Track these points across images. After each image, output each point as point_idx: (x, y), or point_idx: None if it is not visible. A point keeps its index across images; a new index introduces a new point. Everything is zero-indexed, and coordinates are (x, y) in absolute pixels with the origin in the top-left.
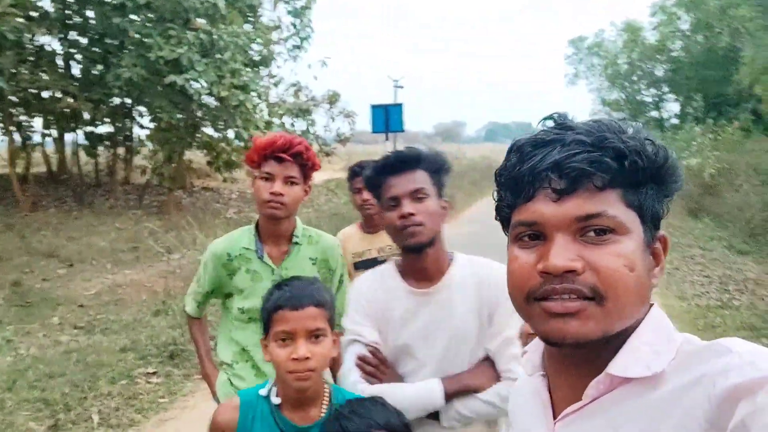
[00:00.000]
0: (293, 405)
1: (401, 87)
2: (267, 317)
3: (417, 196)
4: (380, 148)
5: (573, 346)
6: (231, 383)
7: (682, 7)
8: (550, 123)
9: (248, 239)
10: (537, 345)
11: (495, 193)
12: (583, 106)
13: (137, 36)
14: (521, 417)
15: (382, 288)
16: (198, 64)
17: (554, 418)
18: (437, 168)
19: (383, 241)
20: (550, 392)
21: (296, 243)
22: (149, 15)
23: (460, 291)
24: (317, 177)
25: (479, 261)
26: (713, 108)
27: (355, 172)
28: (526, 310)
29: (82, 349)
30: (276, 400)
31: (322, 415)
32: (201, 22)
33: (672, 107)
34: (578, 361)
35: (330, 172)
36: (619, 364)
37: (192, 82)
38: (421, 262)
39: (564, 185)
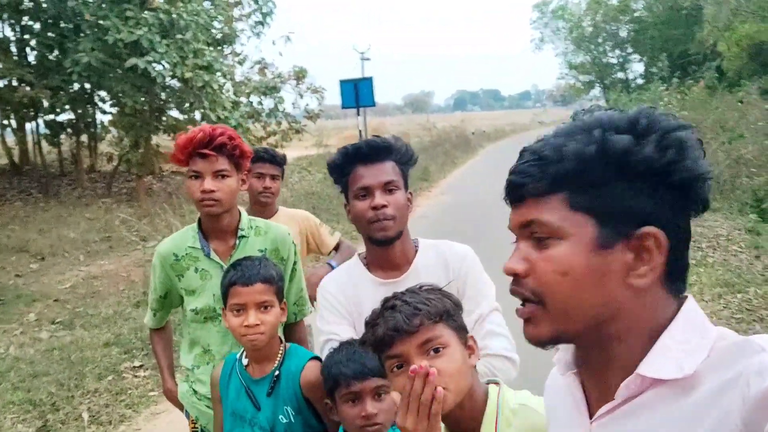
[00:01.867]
0: (254, 361)
1: (368, 59)
2: (224, 292)
3: (388, 188)
4: (351, 122)
5: (539, 346)
6: (194, 392)
7: None
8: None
9: (193, 238)
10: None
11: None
12: (551, 70)
13: (93, 18)
14: (559, 414)
15: (350, 283)
16: (159, 46)
17: (590, 415)
18: (406, 160)
19: None
20: (584, 390)
21: (242, 236)
22: None
23: (429, 275)
24: (289, 155)
25: (441, 243)
26: (678, 67)
27: (262, 156)
28: None
29: (64, 345)
30: (245, 361)
31: (272, 368)
32: (158, 1)
33: (637, 68)
34: (597, 359)
35: (301, 150)
36: (650, 365)
37: (154, 65)
38: (388, 253)
39: (512, 196)
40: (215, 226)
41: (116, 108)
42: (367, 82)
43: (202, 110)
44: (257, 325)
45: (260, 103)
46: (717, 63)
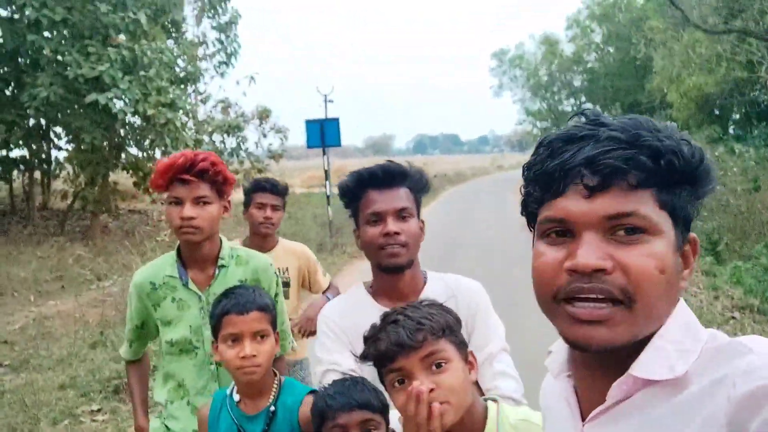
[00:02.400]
0: (247, 396)
1: (331, 101)
2: (216, 322)
3: (402, 214)
4: (312, 163)
5: (599, 352)
6: (167, 428)
7: (595, 20)
8: (582, 119)
9: (171, 266)
10: (562, 345)
11: (522, 188)
12: (509, 116)
13: (53, 54)
14: (553, 417)
15: (353, 311)
16: (121, 82)
17: (582, 419)
18: (420, 187)
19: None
20: (576, 393)
21: (222, 265)
22: (65, 32)
23: None
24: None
25: (450, 276)
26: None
27: (263, 186)
28: (551, 310)
29: (16, 388)
30: (236, 397)
31: (267, 404)
32: (121, 38)
33: None
34: (604, 363)
35: None
36: (642, 365)
37: (115, 101)
38: (397, 282)
39: (596, 182)
40: (194, 255)
41: (73, 144)
42: (334, 122)
43: (164, 148)
44: (254, 356)
45: (222, 142)
46: (667, 113)
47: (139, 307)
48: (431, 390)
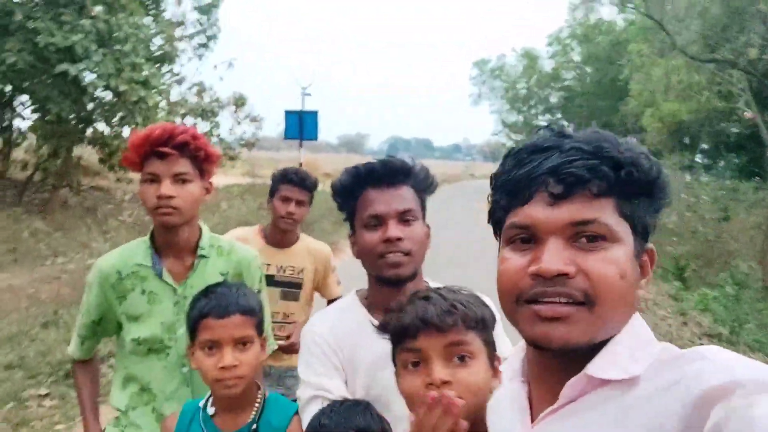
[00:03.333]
0: (224, 410)
1: (309, 94)
2: (192, 325)
3: (405, 217)
4: (285, 155)
5: (559, 351)
6: None
7: (576, 39)
8: (547, 132)
9: (143, 254)
10: (518, 350)
11: (489, 197)
12: (484, 126)
13: (24, 20)
14: (496, 423)
15: (345, 327)
16: (94, 54)
17: (532, 422)
18: (426, 187)
19: (288, 260)
20: (529, 398)
21: (202, 255)
22: None
23: None
24: (217, 181)
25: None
26: None
27: (291, 179)
28: (513, 311)
29: None
30: (211, 410)
31: (249, 420)
32: (98, 9)
33: None
34: (560, 366)
35: (233, 177)
36: (597, 365)
37: (86, 73)
38: (398, 296)
39: (560, 190)
40: (171, 241)
41: (37, 114)
42: (313, 115)
43: (134, 126)
44: (235, 366)
45: (195, 125)
46: (641, 136)
47: (100, 299)
48: (445, 383)
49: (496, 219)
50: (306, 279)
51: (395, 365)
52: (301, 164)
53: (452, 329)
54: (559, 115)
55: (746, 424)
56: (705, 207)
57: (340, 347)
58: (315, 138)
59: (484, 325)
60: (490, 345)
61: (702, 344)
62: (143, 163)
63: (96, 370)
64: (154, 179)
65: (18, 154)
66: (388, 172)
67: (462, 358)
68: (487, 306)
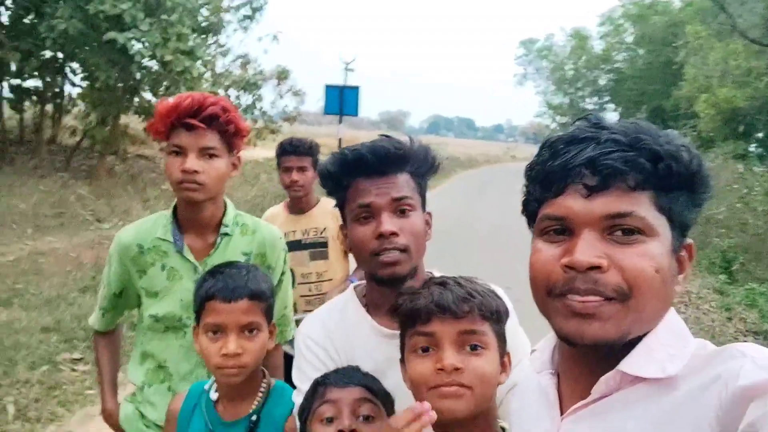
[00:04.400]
0: (226, 398)
1: (352, 70)
2: (198, 306)
3: (400, 207)
4: (325, 130)
5: (591, 346)
6: (141, 416)
7: (629, 20)
8: (584, 123)
9: (164, 228)
10: (548, 342)
11: (524, 188)
12: (528, 107)
13: None
14: (524, 416)
15: (343, 329)
16: (142, 23)
17: (561, 415)
18: (426, 169)
19: (309, 222)
20: (558, 391)
21: (225, 234)
22: None
23: None
24: (258, 155)
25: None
26: (656, 122)
27: (285, 149)
28: (545, 304)
29: None
30: (214, 396)
31: (250, 410)
32: None
33: (612, 117)
34: (592, 359)
35: (273, 151)
36: (633, 363)
37: (134, 42)
38: (396, 295)
39: (596, 182)
40: (194, 217)
41: (87, 81)
42: (354, 90)
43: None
44: (238, 354)
45: (238, 97)
46: (693, 122)
47: (120, 271)
48: (457, 369)
49: (530, 210)
50: (330, 237)
51: (402, 352)
52: (340, 140)
53: (467, 316)
54: (607, 98)
55: None
56: (757, 198)
57: (335, 349)
58: (355, 114)
59: (498, 318)
60: (502, 339)
61: (746, 341)
62: (170, 133)
63: (117, 343)
64: (180, 152)
65: (68, 120)
66: (380, 161)
67: (474, 348)
68: (501, 299)
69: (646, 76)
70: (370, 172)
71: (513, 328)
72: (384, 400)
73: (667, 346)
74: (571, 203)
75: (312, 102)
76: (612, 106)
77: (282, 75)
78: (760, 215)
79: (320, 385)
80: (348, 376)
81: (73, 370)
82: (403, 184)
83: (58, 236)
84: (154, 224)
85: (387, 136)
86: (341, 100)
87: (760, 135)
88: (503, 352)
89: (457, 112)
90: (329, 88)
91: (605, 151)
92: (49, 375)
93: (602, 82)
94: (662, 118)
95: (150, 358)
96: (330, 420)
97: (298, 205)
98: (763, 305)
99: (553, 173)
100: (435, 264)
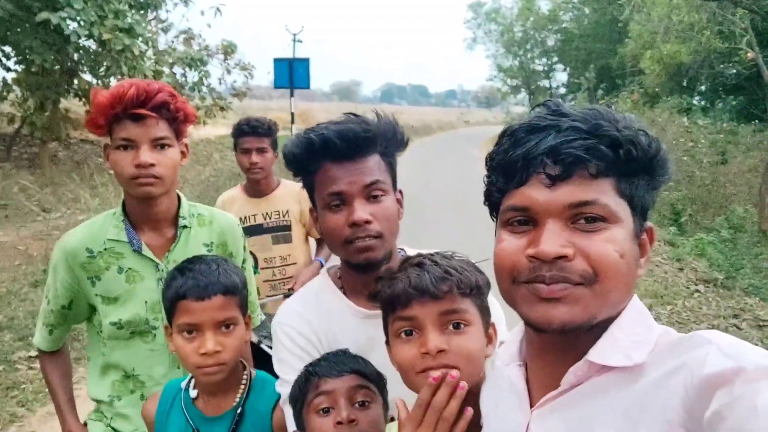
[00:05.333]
0: (207, 394)
1: (300, 41)
2: (170, 305)
3: (372, 192)
4: (276, 104)
5: (559, 331)
6: (114, 431)
7: None
8: (544, 110)
9: (116, 228)
10: (515, 334)
11: (485, 178)
12: (479, 72)
13: None
14: (493, 410)
15: (320, 314)
16: (75, 1)
17: (531, 407)
18: (395, 147)
19: (271, 206)
20: (527, 382)
21: (184, 226)
22: None
23: None
24: (209, 132)
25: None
26: (603, 80)
27: (242, 130)
28: (511, 292)
29: None
30: (193, 393)
31: (233, 404)
32: None
33: (561, 77)
34: (560, 348)
35: (224, 128)
36: (599, 352)
37: (69, 21)
38: (372, 281)
39: (558, 171)
40: (149, 213)
41: (22, 65)
42: (304, 62)
43: (120, 76)
44: (218, 351)
45: (184, 75)
46: (639, 79)
47: (69, 280)
48: (441, 351)
49: (493, 200)
50: (293, 219)
51: (386, 336)
52: (293, 114)
53: (446, 296)
54: (555, 59)
55: (750, 411)
56: (702, 151)
57: (316, 335)
58: (307, 86)
59: (479, 292)
60: (485, 311)
61: (698, 290)
62: (112, 126)
63: (68, 361)
64: (129, 145)
65: (4, 107)
66: (348, 146)
67: (457, 326)
68: (481, 272)
69: (592, 34)
70: (339, 156)
71: (492, 301)
72: (377, 382)
73: (632, 334)
74: (534, 193)
75: (261, 76)
76: (561, 66)
77: (228, 49)
78: (705, 167)
79: (313, 375)
80: (340, 363)
81: (31, 368)
82: (373, 167)
83: (3, 229)
84: (102, 225)
85: (353, 115)
86: (291, 73)
87: (703, 88)
88: (488, 324)
89: (409, 80)
90: (278, 61)
91: (566, 140)
92: (5, 375)
93: (551, 42)
94: (609, 76)
95: (113, 369)
96: (326, 410)
97: (258, 188)
98: (712, 254)
99: (515, 163)
100: (404, 235)
